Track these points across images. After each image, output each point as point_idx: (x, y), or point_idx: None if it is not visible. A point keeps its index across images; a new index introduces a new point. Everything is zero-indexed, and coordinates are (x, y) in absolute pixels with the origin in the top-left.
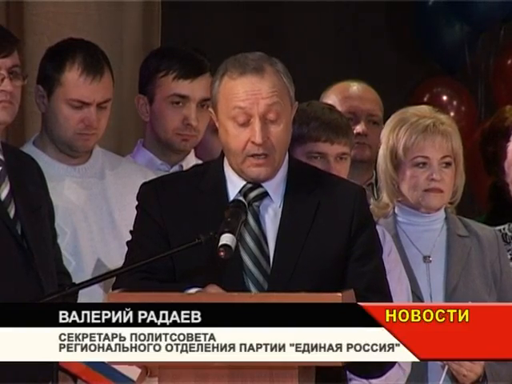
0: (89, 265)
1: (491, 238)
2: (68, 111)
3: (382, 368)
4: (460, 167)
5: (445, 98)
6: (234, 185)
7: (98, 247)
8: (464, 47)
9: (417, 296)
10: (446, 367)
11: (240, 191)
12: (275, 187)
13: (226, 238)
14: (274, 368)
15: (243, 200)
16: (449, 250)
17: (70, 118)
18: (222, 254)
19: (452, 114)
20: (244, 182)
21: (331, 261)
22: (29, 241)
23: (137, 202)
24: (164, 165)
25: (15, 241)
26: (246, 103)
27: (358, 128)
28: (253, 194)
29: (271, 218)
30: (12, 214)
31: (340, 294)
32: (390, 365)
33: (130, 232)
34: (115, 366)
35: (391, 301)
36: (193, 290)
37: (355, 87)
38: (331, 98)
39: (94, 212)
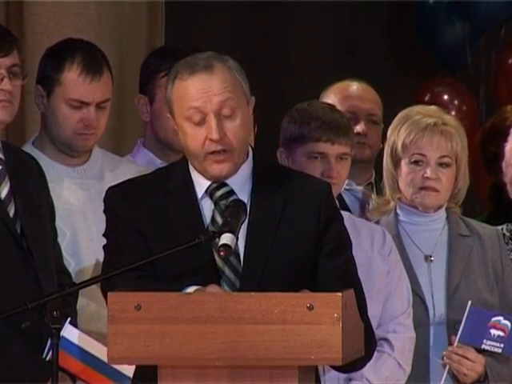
0: (88, 265)
1: (493, 238)
2: (67, 111)
3: (363, 361)
4: (462, 169)
5: (446, 97)
6: (200, 185)
7: (97, 248)
8: (465, 47)
9: (418, 296)
10: (447, 367)
11: (206, 191)
12: (241, 185)
13: (226, 238)
14: (273, 368)
15: (243, 200)
16: (450, 250)
17: (70, 118)
18: (222, 253)
19: (453, 113)
20: (209, 182)
21: (301, 256)
22: (28, 240)
23: (104, 207)
24: (164, 164)
25: (15, 240)
26: (199, 102)
27: (358, 128)
28: (219, 193)
29: None
30: (12, 213)
31: (340, 294)
32: (369, 358)
33: (104, 235)
34: (114, 365)
35: (363, 293)
36: (191, 289)
37: (355, 87)
38: (331, 97)
39: (93, 213)
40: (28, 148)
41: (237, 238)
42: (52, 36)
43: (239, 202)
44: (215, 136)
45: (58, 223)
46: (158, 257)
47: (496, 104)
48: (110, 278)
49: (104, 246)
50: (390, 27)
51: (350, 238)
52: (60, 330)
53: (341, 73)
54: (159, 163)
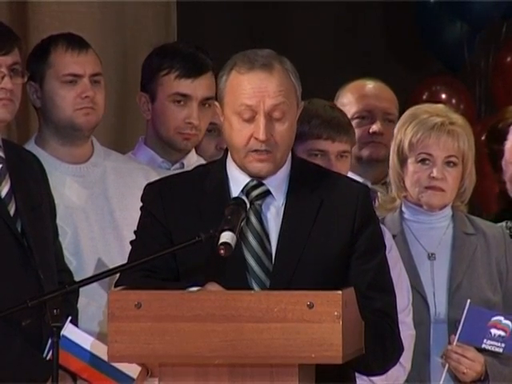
0: (90, 264)
1: (498, 236)
2: (63, 90)
3: (384, 365)
4: (469, 168)
5: (443, 96)
6: (237, 183)
7: (98, 247)
8: (463, 46)
9: (420, 293)
10: (447, 365)
11: (242, 190)
12: (278, 185)
13: (226, 236)
14: (274, 366)
15: (243, 198)
16: (454, 248)
17: (67, 96)
18: (221, 251)
19: None
20: (247, 179)
21: (334, 258)
22: (29, 239)
23: (141, 203)
24: (165, 163)
25: (15, 239)
26: (252, 101)
27: (374, 127)
28: (255, 193)
29: (273, 216)
30: (12, 211)
31: (340, 292)
32: (393, 362)
33: (134, 232)
34: (115, 364)
35: (395, 298)
36: (194, 289)
37: (371, 86)
38: (347, 96)
39: (95, 212)
40: (30, 146)
41: (237, 237)
42: None
43: (239, 200)
44: (262, 136)
45: (60, 222)
46: (157, 256)
47: (493, 102)
48: (121, 275)
49: (131, 242)
50: (390, 26)
51: (384, 241)
52: (60, 328)
53: (341, 72)
54: (160, 161)
